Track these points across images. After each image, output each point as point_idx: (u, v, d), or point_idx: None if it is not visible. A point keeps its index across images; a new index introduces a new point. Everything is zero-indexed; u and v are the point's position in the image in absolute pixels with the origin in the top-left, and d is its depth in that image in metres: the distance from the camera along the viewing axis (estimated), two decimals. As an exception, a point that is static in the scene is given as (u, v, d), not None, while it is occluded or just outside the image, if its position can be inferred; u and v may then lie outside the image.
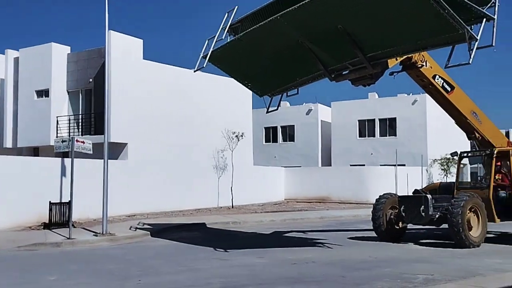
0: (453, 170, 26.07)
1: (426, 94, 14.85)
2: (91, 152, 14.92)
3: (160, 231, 15.80)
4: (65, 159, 17.26)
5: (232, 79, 13.44)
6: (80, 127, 23.61)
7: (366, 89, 12.52)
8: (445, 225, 12.55)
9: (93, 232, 14.71)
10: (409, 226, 13.76)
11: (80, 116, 23.73)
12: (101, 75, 21.60)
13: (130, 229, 15.47)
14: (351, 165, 35.65)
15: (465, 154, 14.85)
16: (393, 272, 9.11)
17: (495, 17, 8.94)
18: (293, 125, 40.67)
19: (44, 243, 13.03)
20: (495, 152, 13.60)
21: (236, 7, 11.13)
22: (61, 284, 8.58)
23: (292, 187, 31.62)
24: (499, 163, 13.86)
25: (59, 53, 23.81)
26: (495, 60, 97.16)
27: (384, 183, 27.40)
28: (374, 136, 37.62)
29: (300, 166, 36.42)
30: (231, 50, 11.58)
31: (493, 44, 8.84)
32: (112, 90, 20.21)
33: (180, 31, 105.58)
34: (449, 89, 13.30)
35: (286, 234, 15.63)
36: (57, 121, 23.54)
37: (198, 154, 25.10)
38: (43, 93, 23.81)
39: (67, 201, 14.78)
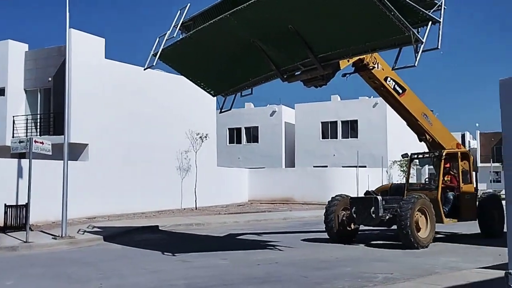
0: (412, 171, 26.80)
1: (386, 97, 15.14)
2: (50, 153, 14.52)
3: (121, 233, 15.54)
4: (22, 160, 16.72)
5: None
6: (38, 127, 22.91)
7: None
8: (395, 226, 12.58)
9: (52, 235, 14.31)
10: (364, 227, 13.92)
11: (39, 115, 23.03)
12: (61, 74, 21.04)
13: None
14: (314, 166, 36.12)
15: (415, 156, 15.05)
16: (354, 271, 9.30)
17: (441, 20, 9.05)
18: (257, 127, 40.87)
19: (-1, 247, 12.58)
20: (443, 154, 13.77)
21: (189, 4, 10.91)
22: (18, 289, 8.34)
23: (256, 188, 31.75)
24: (448, 165, 14.13)
25: (16, 50, 23.03)
26: (452, 68, 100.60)
27: (346, 184, 27.93)
28: (336, 137, 38.28)
29: (264, 167, 36.62)
30: (182, 49, 11.33)
31: (439, 47, 8.93)
32: (73, 89, 19.71)
33: (144, 31, 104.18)
34: (400, 91, 13.41)
35: (240, 237, 15.60)
36: (14, 120, 22.75)
37: (162, 155, 24.83)
38: (-1, 91, 23.00)
39: (24, 203, 14.32)
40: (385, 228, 13.67)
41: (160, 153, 24.88)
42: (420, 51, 8.90)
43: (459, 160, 14.14)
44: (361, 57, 12.00)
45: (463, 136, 61.78)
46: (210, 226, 18.58)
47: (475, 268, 9.18)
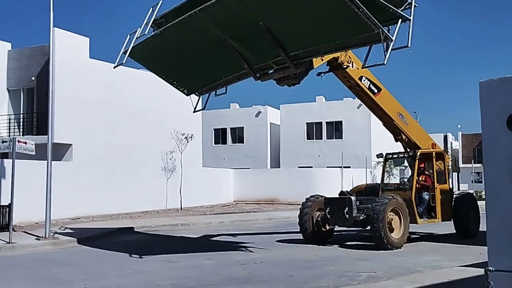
0: (395, 172, 27.09)
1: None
2: (33, 153, 14.37)
3: (105, 234, 15.45)
4: (5, 160, 16.53)
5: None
6: (21, 127, 22.65)
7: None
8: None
9: (35, 236, 14.17)
10: (340, 228, 13.69)
11: (22, 115, 22.76)
12: (44, 73, 20.84)
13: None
14: (299, 167, 36.29)
15: (390, 156, 14.96)
16: (338, 270, 9.41)
17: (411, 18, 8.99)
18: (242, 127, 40.91)
19: (-18, 248, 12.43)
20: (418, 154, 13.65)
21: (161, 1, 10.68)
22: (1, 290, 8.27)
23: (241, 189, 31.79)
24: (422, 165, 14.02)
25: (-1, 49, 22.76)
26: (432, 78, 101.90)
27: (330, 184, 28.12)
28: (321, 138, 38.52)
29: (249, 168, 36.68)
30: (152, 46, 11.06)
31: (409, 45, 8.86)
32: (57, 89, 19.46)
33: (129, 30, 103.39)
34: (375, 90, 13.22)
35: (222, 238, 15.67)
36: (-4, 120, 22.48)
37: (147, 156, 24.72)
38: (-19, 91, 22.67)
39: (7, 204, 14.16)
40: (361, 228, 13.51)
41: (145, 153, 24.77)
42: (390, 49, 8.78)
43: (434, 160, 13.97)
44: (335, 56, 11.80)
45: (445, 137, 62.58)
46: (195, 226, 18.57)
47: (457, 266, 9.37)
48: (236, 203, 30.41)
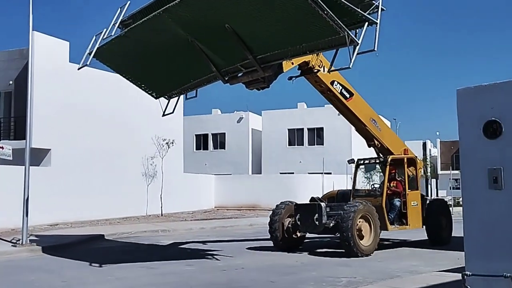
0: (376, 178, 27.29)
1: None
2: (11, 158, 14.14)
3: (84, 240, 15.23)
4: (-19, 165, 16.21)
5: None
6: (-2, 131, 22.23)
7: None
8: None
9: (11, 242, 13.89)
10: (312, 235, 13.50)
11: (-1, 119, 22.36)
12: (22, 77, 20.51)
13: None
14: (280, 173, 36.38)
15: (362, 162, 14.81)
16: (319, 275, 9.45)
17: (378, 21, 8.95)
18: (224, 133, 40.87)
19: (-44, 255, 12.13)
20: (388, 160, 13.49)
21: (129, 2, 10.44)
22: (-24, 298, 8.08)
23: (223, 195, 31.71)
24: (394, 171, 13.86)
25: (-24, 52, 22.36)
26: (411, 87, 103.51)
27: (311, 190, 28.11)
28: (302, 144, 38.72)
29: (230, 174, 36.63)
30: (118, 48, 10.78)
31: (375, 49, 8.82)
32: (35, 93, 19.21)
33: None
34: (347, 95, 12.98)
35: (199, 245, 15.63)
36: (-28, 124, 22.02)
37: (127, 161, 24.48)
38: (-43, 94, 22.21)
39: (-17, 210, 13.88)
40: (332, 235, 13.31)
41: (126, 159, 24.53)
42: (355, 52, 8.70)
43: (406, 166, 13.76)
44: (306, 59, 11.51)
45: (424, 144, 63.44)
46: (176, 232, 18.44)
47: (435, 271, 9.49)
48: (218, 209, 30.32)
